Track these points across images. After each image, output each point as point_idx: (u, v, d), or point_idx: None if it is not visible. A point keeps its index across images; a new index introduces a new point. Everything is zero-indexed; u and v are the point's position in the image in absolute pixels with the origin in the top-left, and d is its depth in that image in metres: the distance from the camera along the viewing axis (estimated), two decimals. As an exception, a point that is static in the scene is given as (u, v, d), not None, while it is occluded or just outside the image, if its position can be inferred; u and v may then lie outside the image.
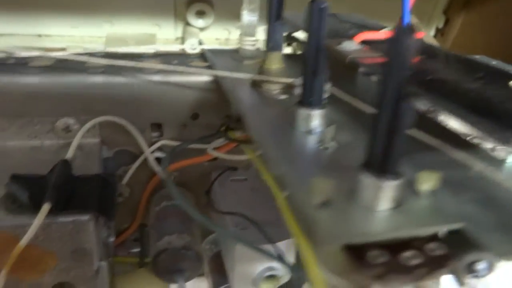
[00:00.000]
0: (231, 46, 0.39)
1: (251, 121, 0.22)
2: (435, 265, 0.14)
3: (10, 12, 0.45)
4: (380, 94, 0.15)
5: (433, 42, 0.48)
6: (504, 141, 0.17)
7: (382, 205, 0.16)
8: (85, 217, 0.23)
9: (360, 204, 0.16)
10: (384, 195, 0.15)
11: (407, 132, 0.15)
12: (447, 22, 0.63)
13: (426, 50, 0.27)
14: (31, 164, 0.29)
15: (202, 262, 0.29)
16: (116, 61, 0.29)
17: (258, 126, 0.22)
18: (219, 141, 0.33)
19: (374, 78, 0.24)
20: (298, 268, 0.24)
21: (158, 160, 0.33)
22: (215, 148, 0.32)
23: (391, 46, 0.14)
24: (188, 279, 0.29)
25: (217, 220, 0.32)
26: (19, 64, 0.31)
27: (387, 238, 0.15)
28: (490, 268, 0.16)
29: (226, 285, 0.31)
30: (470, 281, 0.16)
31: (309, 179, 0.16)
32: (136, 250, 0.35)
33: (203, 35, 0.50)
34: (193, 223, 0.32)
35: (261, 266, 0.27)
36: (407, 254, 0.14)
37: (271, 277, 0.28)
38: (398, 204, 0.16)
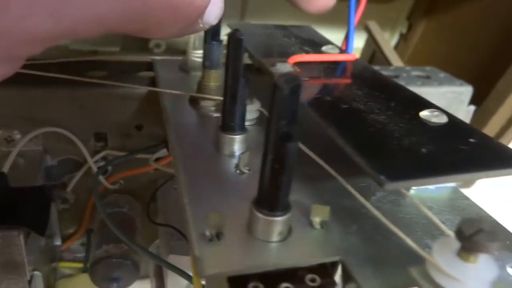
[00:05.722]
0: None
1: (174, 142, 0.23)
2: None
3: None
4: (264, 138, 0.16)
5: (392, 54, 0.49)
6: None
7: (270, 238, 0.17)
8: (14, 232, 0.24)
9: (250, 237, 0.17)
10: (271, 229, 0.17)
11: (292, 171, 0.16)
12: (410, 28, 0.64)
13: (358, 73, 0.28)
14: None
15: (139, 270, 0.31)
16: (57, 75, 0.29)
17: (180, 147, 0.23)
18: (163, 151, 0.34)
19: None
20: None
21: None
22: (157, 159, 0.33)
23: (273, 94, 0.15)
24: (124, 286, 0.30)
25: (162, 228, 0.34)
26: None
27: (267, 270, 0.16)
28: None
29: (165, 291, 0.33)
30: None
31: (205, 212, 0.17)
32: (82, 255, 0.36)
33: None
34: (135, 230, 0.33)
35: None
36: (284, 285, 0.16)
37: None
38: (286, 237, 0.17)
